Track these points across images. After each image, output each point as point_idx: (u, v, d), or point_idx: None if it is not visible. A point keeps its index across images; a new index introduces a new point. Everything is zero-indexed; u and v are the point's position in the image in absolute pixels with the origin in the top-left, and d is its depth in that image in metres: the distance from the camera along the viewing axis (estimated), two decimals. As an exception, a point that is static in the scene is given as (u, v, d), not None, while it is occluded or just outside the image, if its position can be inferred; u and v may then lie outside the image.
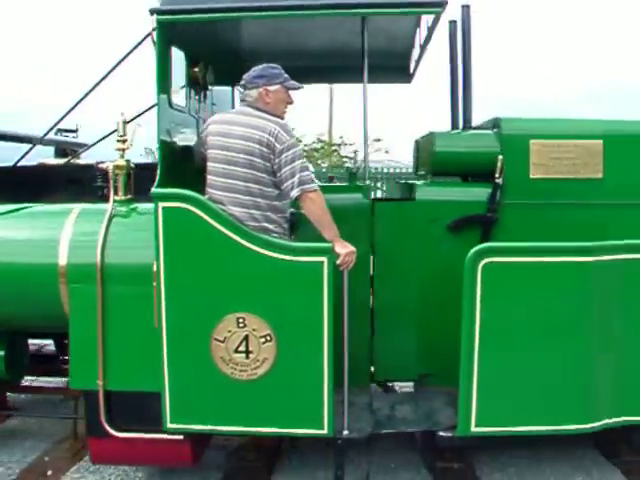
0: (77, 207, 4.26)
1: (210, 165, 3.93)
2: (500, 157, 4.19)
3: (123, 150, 4.18)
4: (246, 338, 3.81)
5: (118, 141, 4.17)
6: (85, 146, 5.12)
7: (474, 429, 3.80)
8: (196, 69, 4.41)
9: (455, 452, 4.24)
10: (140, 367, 3.92)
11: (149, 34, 3.86)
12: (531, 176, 4.24)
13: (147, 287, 3.83)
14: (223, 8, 3.79)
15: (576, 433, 3.84)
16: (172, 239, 3.80)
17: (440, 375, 4.42)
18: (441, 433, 3.94)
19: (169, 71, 4.01)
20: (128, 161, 4.19)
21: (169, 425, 3.89)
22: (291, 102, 3.99)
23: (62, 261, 4.01)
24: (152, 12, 3.77)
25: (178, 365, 3.85)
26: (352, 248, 3.80)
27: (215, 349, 3.83)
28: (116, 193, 4.17)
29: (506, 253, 3.74)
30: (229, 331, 3.81)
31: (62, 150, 6.57)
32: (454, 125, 4.98)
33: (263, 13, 3.83)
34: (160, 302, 3.82)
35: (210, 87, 4.76)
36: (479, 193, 4.30)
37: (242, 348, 3.82)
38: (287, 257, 3.77)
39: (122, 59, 4.12)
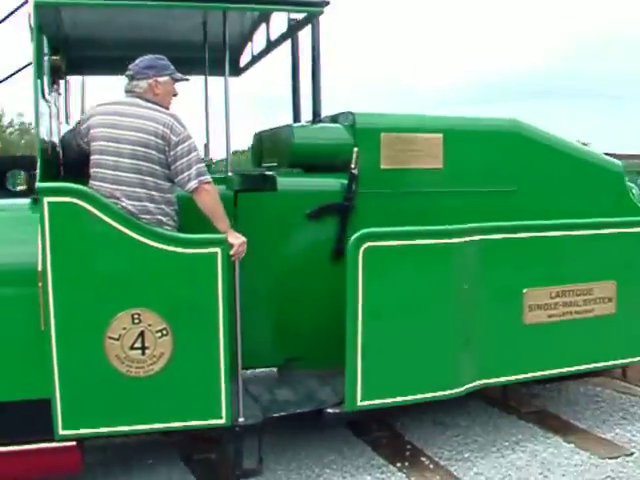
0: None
1: (97, 158, 3.77)
2: (355, 149, 4.54)
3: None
4: (142, 334, 3.74)
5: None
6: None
7: (360, 403, 4.13)
8: (56, 57, 4.15)
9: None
10: (25, 374, 3.66)
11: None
12: (382, 167, 4.65)
13: (29, 288, 3.59)
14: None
15: (450, 397, 4.36)
16: (60, 236, 3.60)
17: (305, 359, 4.65)
18: (330, 410, 4.21)
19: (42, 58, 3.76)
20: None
21: (61, 432, 3.69)
22: (176, 94, 3.98)
23: None
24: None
25: (70, 368, 3.66)
26: (243, 239, 3.91)
27: (110, 348, 3.71)
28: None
29: (383, 238, 4.11)
30: (124, 328, 3.72)
31: None
32: (296, 118, 5.24)
33: (113, 2, 3.83)
34: (47, 303, 3.60)
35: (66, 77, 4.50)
36: (336, 183, 4.60)
37: (138, 345, 3.75)
38: (182, 249, 3.78)
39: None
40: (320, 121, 4.86)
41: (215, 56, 4.56)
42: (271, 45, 5.11)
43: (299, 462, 4.46)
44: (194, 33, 4.87)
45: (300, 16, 4.66)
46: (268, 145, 5.23)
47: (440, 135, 4.74)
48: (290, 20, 4.86)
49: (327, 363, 4.51)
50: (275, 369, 4.80)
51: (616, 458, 4.52)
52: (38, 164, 3.61)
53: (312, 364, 4.63)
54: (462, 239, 4.26)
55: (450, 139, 4.76)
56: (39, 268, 3.58)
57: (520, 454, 4.59)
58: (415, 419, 5.07)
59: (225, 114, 4.41)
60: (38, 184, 3.56)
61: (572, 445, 4.71)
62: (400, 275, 4.16)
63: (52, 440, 3.69)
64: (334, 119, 4.91)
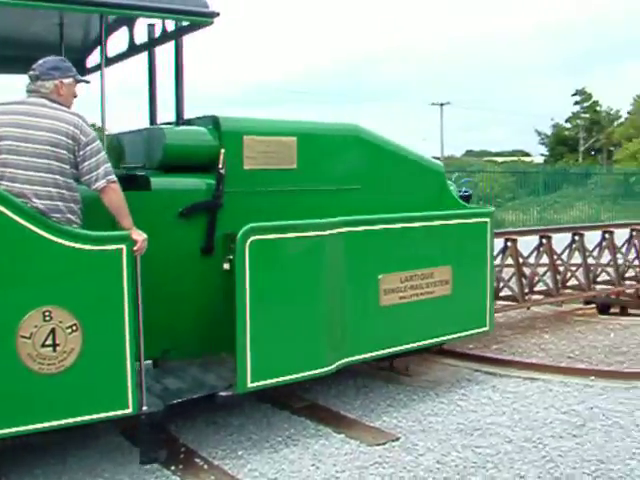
0: None
1: (4, 157, 3.72)
2: (222, 150, 4.88)
3: None
4: (53, 331, 3.83)
5: None
6: None
7: (250, 385, 4.51)
8: None
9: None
10: None
11: None
12: (245, 167, 5.05)
13: None
14: None
15: (324, 375, 4.90)
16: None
17: (179, 349, 4.91)
18: (222, 394, 4.52)
19: None
20: None
21: (-25, 434, 3.62)
22: (76, 96, 4.05)
23: None
24: None
25: (-19, 370, 3.62)
26: (145, 235, 4.12)
27: (21, 347, 3.75)
28: None
29: (267, 231, 4.54)
30: (35, 326, 3.78)
31: None
32: (152, 120, 5.39)
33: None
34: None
35: None
36: (202, 183, 4.92)
37: (49, 342, 3.83)
38: (90, 247, 3.95)
39: None
40: (184, 123, 5.11)
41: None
42: (133, 49, 5.25)
43: (65, 476, 4.37)
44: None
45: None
46: (130, 147, 5.36)
47: (294, 138, 5.25)
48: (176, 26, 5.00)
49: (200, 352, 4.92)
50: (150, 361, 4.93)
51: (383, 444, 4.80)
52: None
53: (186, 354, 4.93)
54: (332, 231, 4.83)
55: (303, 142, 5.29)
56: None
57: (293, 448, 4.75)
58: (189, 420, 5.17)
59: (101, 114, 4.52)
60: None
61: (342, 435, 4.95)
62: (281, 265, 4.64)
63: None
64: (192, 122, 5.18)
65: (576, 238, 9.09)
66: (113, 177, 3.97)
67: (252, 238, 4.42)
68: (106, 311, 3.99)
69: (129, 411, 4.10)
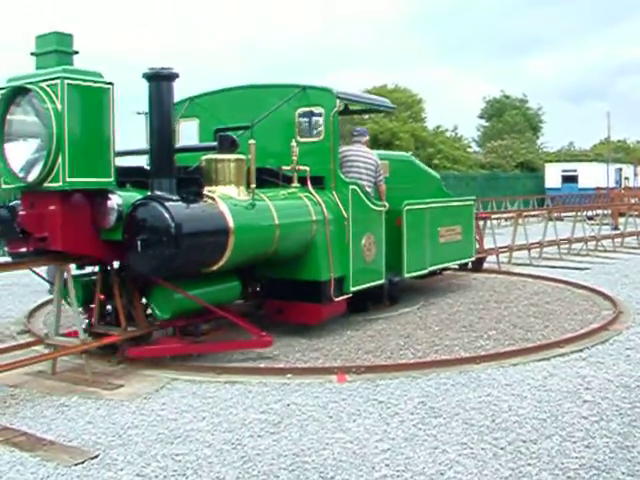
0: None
1: (347, 170, 9.26)
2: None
3: None
4: (369, 242, 8.64)
5: None
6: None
7: (406, 275, 10.19)
8: None
9: None
10: None
11: None
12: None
13: None
14: None
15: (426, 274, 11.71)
16: None
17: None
18: (396, 278, 10.25)
19: None
20: None
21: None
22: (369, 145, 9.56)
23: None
24: None
25: None
26: (387, 204, 9.32)
27: (362, 248, 8.56)
28: None
29: (408, 204, 9.74)
30: (366, 240, 8.56)
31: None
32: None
33: None
34: None
35: None
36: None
37: (368, 246, 8.63)
38: (377, 208, 9.01)
39: None
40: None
41: None
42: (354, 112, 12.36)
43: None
44: None
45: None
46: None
47: (387, 162, 10.29)
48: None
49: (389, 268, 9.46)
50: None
51: (82, 463, 4.66)
52: None
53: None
54: (425, 206, 10.25)
55: (390, 163, 10.44)
56: None
57: (-15, 478, 4.49)
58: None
59: None
60: None
61: (39, 459, 4.74)
62: (412, 218, 10.03)
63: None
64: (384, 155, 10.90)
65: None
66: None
67: (406, 207, 9.66)
68: (381, 236, 8.96)
69: (383, 281, 9.00)
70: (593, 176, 41.34)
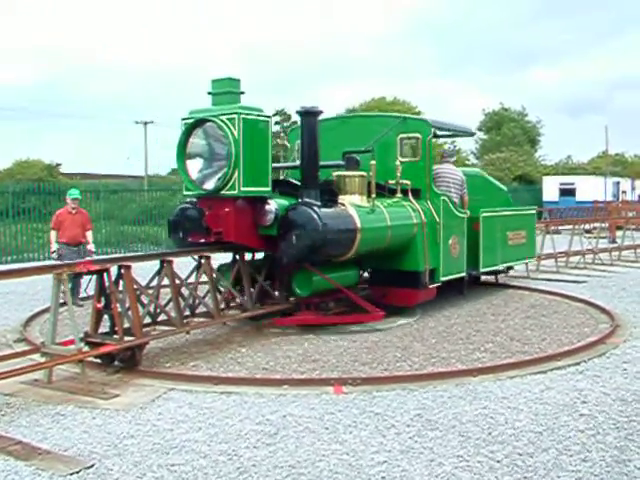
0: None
1: (439, 184, 11.29)
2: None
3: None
4: (455, 242, 10.71)
5: None
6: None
7: (482, 270, 12.27)
8: None
9: None
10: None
11: None
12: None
13: None
14: None
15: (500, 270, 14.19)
16: None
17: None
18: (474, 272, 12.40)
19: None
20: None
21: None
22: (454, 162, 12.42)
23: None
24: None
25: None
26: (469, 212, 11.42)
27: (449, 247, 10.66)
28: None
29: (485, 212, 12.02)
30: (452, 240, 10.79)
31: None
32: None
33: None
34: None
35: None
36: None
37: (455, 246, 10.86)
38: (461, 215, 11.19)
39: None
40: None
41: None
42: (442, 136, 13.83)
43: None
44: None
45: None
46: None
47: (464, 177, 12.07)
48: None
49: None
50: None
51: (77, 473, 4.68)
52: None
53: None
54: (497, 213, 12.52)
55: (467, 177, 12.10)
56: None
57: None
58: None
59: None
60: None
61: (34, 467, 4.75)
62: (488, 223, 12.10)
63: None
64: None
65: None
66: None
67: (482, 215, 11.73)
68: (463, 238, 10.95)
69: (464, 274, 11.14)
70: (591, 189, 41.41)
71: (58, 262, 9.45)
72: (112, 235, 23.18)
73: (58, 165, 47.10)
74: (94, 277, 7.19)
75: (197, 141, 8.84)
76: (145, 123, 51.75)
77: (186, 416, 5.72)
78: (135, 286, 7.41)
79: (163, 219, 25.18)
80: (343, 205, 9.30)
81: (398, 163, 10.39)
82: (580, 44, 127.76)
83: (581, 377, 6.83)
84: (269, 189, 8.86)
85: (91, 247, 11.55)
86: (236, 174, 8.31)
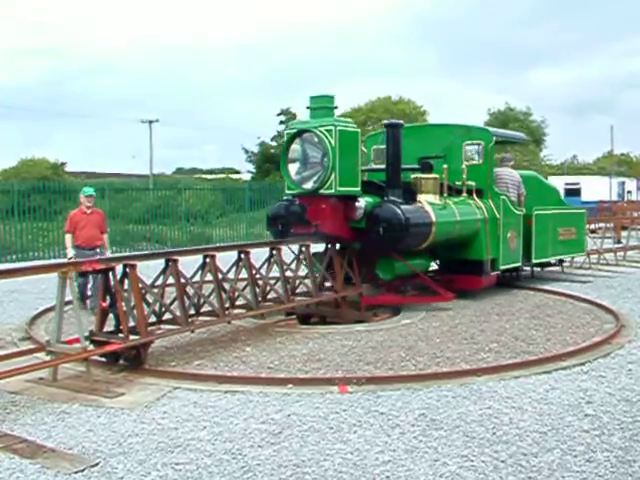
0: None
1: (501, 186, 13.02)
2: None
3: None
4: (518, 235, 12.55)
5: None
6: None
7: (534, 260, 13.84)
8: None
9: None
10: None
11: None
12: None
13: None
14: None
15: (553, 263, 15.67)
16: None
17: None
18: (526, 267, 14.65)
19: None
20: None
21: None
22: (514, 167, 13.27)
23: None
24: None
25: None
26: (524, 210, 12.97)
27: (508, 239, 12.34)
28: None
29: (537, 210, 13.49)
30: (510, 234, 12.33)
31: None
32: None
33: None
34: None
35: None
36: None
37: (513, 238, 12.55)
38: (517, 212, 12.73)
39: None
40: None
41: None
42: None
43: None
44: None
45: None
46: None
47: (521, 179, 13.77)
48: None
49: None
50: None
51: (82, 471, 4.67)
52: None
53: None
54: (550, 212, 14.01)
55: (523, 179, 13.83)
56: None
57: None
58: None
59: None
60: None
61: (39, 466, 4.76)
62: (540, 220, 13.74)
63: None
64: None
65: (242, 256, 9.20)
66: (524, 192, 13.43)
67: (535, 212, 13.20)
68: (520, 232, 12.50)
69: (520, 264, 13.00)
70: (596, 189, 41.37)
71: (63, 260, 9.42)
72: (117, 234, 23.19)
73: (63, 164, 47.26)
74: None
75: (296, 147, 10.45)
76: (150, 122, 51.85)
77: (191, 415, 5.72)
78: (140, 285, 7.43)
79: (168, 218, 25.45)
80: (420, 203, 10.93)
81: (464, 167, 12.01)
82: (585, 44, 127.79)
83: (586, 377, 6.82)
84: (359, 189, 10.41)
85: (108, 254, 10.71)
86: (333, 176, 9.89)
